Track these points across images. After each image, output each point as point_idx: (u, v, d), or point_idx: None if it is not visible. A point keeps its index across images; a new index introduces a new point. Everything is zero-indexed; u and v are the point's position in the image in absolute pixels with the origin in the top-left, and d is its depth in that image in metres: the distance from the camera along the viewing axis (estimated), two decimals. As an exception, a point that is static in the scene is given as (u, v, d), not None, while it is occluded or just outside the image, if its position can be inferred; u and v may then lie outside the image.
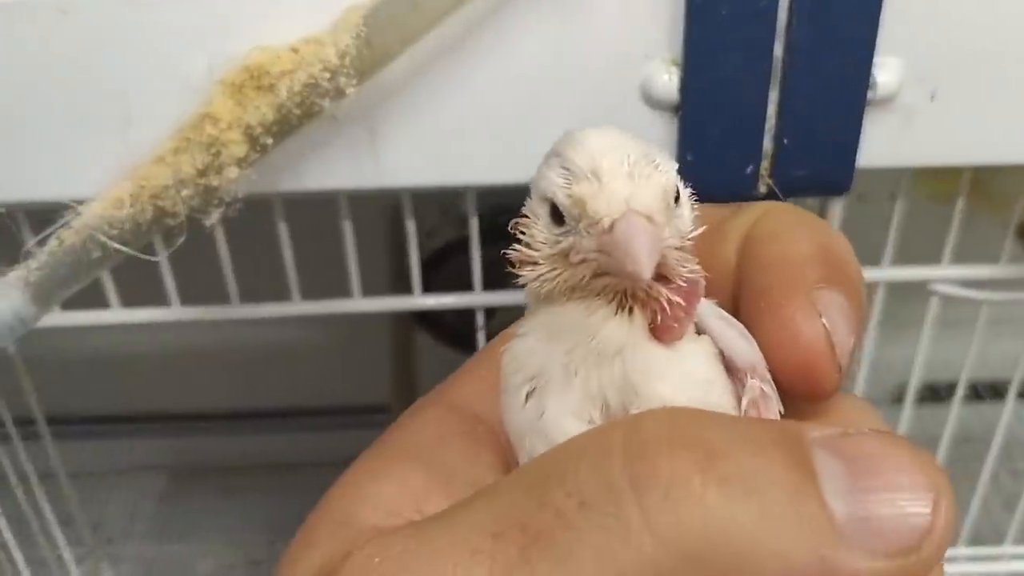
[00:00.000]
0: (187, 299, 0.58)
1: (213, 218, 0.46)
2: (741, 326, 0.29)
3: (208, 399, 1.03)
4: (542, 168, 0.28)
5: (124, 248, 0.46)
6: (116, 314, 0.58)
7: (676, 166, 0.28)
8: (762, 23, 0.45)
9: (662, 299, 0.27)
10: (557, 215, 0.27)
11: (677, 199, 0.27)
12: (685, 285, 0.28)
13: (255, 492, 0.97)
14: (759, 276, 0.30)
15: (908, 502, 0.22)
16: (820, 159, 0.48)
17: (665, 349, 0.28)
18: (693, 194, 0.29)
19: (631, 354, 0.27)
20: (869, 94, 0.47)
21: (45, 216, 0.49)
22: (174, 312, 0.58)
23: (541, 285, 0.28)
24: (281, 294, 0.58)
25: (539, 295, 0.29)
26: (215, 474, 1.00)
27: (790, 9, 0.45)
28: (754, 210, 0.32)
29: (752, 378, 0.28)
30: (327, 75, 0.44)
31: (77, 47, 0.45)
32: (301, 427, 1.02)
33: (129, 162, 0.47)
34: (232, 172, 0.45)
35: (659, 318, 0.27)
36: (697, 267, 0.28)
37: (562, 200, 0.27)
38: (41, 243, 0.47)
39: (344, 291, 0.58)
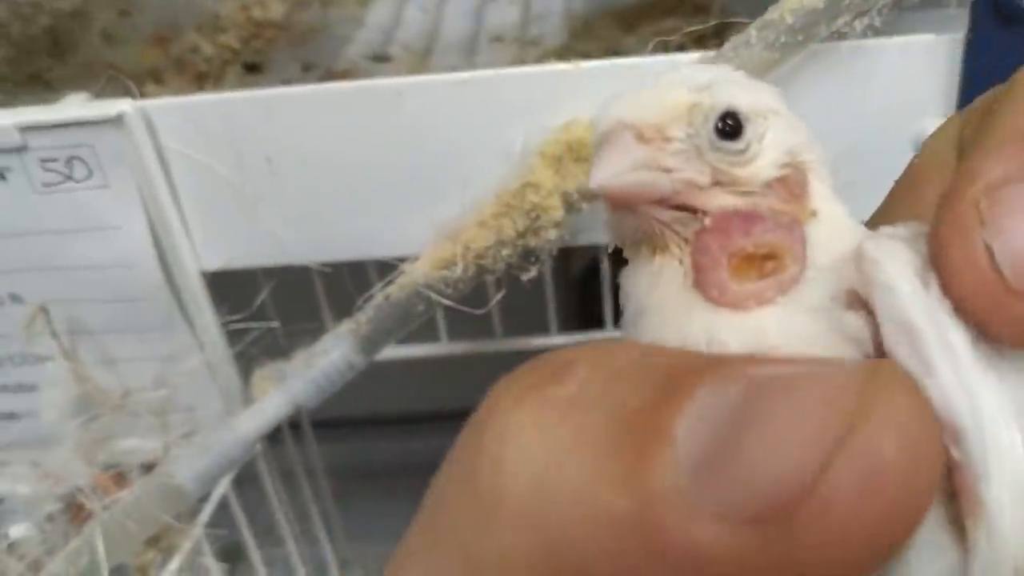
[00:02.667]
0: (454, 334, 0.63)
1: (531, 272, 0.51)
2: (930, 339, 0.18)
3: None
4: None
5: (450, 302, 0.51)
6: (395, 350, 0.64)
7: (774, 107, 0.22)
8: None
9: (687, 236, 0.21)
10: None
11: (735, 132, 0.21)
12: (729, 213, 0.21)
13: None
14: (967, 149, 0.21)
15: (781, 431, 0.15)
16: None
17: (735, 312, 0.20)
18: None
19: (675, 316, 0.21)
20: None
21: (364, 272, 0.55)
22: (443, 347, 0.64)
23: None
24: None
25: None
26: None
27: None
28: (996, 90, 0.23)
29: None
30: (642, 145, 0.48)
31: (410, 124, 0.50)
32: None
33: (443, 224, 0.52)
34: (551, 234, 0.50)
35: (692, 255, 0.21)
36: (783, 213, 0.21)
37: None
38: (367, 300, 0.53)
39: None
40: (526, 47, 0.71)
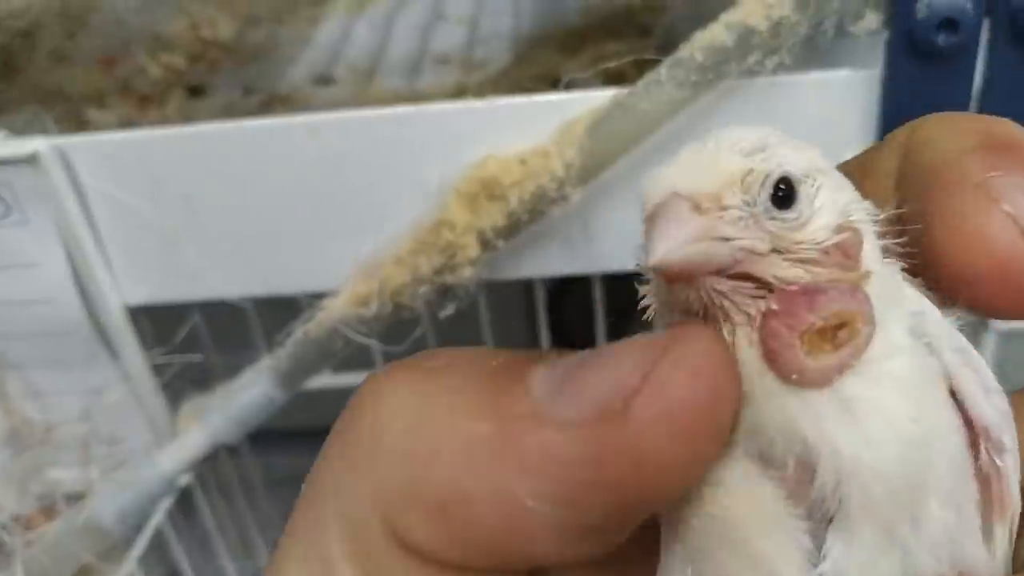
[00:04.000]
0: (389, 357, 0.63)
1: (448, 310, 0.51)
2: (983, 365, 0.22)
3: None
4: None
5: (367, 340, 0.51)
6: (325, 379, 0.63)
7: (822, 166, 0.22)
8: (955, 116, 0.48)
9: (749, 310, 0.21)
10: None
11: (789, 198, 0.21)
12: (792, 291, 0.20)
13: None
14: (917, 184, 0.23)
15: (609, 368, 0.20)
16: None
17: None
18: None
19: (763, 406, 0.20)
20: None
21: (279, 310, 0.54)
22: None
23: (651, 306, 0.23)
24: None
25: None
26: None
27: (980, 102, 0.48)
28: (900, 133, 0.25)
29: (985, 445, 0.21)
30: (554, 185, 0.48)
31: (326, 160, 0.50)
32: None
33: (363, 261, 0.51)
34: (466, 271, 0.49)
35: (762, 341, 0.20)
36: (837, 278, 0.21)
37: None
38: (287, 336, 0.53)
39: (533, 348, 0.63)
40: (470, 70, 0.71)
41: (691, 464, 0.20)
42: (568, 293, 0.86)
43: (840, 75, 0.49)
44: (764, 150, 0.21)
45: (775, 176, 0.21)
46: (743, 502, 0.20)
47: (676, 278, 0.20)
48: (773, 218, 0.21)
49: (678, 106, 0.47)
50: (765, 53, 0.46)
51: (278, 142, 0.50)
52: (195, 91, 0.73)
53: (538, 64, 0.69)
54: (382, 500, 0.20)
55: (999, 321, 0.57)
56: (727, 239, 0.20)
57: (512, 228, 0.49)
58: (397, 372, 0.22)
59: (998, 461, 0.21)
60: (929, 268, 0.22)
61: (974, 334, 0.59)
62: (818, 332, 0.20)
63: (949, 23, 0.45)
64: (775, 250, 0.21)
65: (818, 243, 0.21)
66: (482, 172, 0.48)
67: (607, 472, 0.19)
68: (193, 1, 0.84)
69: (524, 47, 0.72)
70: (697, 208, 0.20)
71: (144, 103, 0.71)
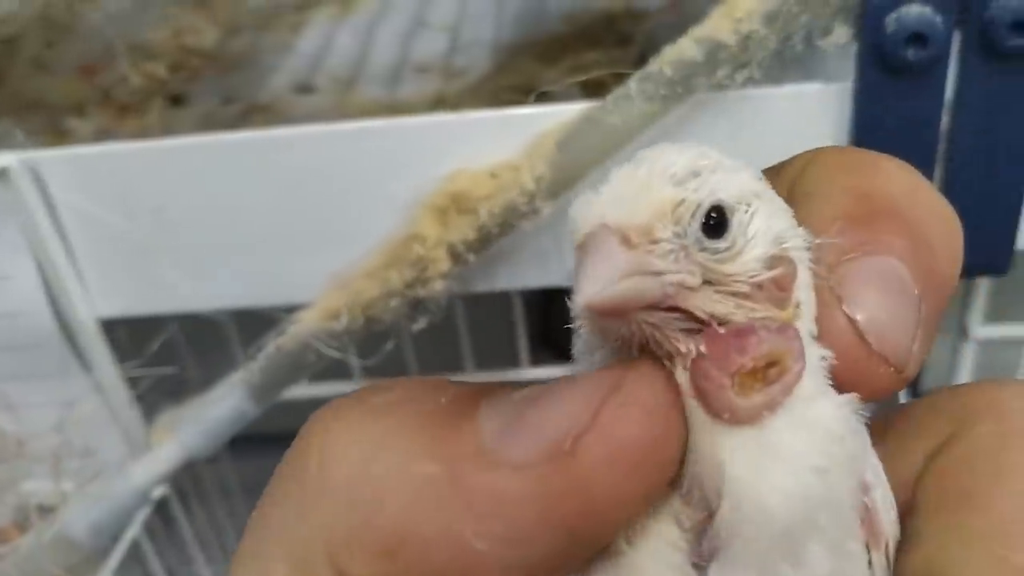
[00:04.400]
0: (368, 371, 0.63)
1: (420, 324, 0.51)
2: (881, 474, 0.22)
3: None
4: None
5: (340, 355, 0.51)
6: (304, 389, 0.63)
7: (757, 189, 0.22)
8: (925, 129, 0.48)
9: (680, 346, 0.20)
10: None
11: (721, 226, 0.21)
12: (722, 334, 0.20)
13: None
14: None
15: (557, 406, 0.20)
16: (979, 245, 0.51)
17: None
18: None
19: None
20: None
21: (250, 321, 0.54)
22: (357, 385, 0.63)
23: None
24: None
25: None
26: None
27: (952, 114, 0.47)
28: (798, 162, 0.25)
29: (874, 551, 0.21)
30: (524, 199, 0.48)
31: (299, 173, 0.50)
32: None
33: (337, 274, 0.51)
34: (437, 285, 0.49)
35: (694, 381, 0.20)
36: (774, 316, 0.21)
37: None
38: (259, 349, 0.53)
39: (512, 360, 0.63)
40: (450, 78, 0.71)
41: (640, 500, 0.20)
42: (556, 302, 0.86)
43: (811, 88, 0.49)
44: (697, 175, 0.21)
45: (706, 205, 0.20)
46: (649, 543, 0.21)
47: (606, 316, 0.20)
48: (704, 249, 0.20)
49: (648, 120, 0.47)
50: (734, 67, 0.46)
51: (252, 155, 0.50)
52: (175, 100, 0.73)
53: (518, 73, 0.69)
54: (329, 541, 0.20)
55: (978, 329, 0.57)
56: (657, 273, 0.20)
57: (483, 242, 0.49)
58: (344, 410, 0.21)
59: (866, 500, 0.21)
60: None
61: (954, 343, 0.59)
62: (749, 372, 0.20)
63: (918, 37, 0.44)
64: (707, 282, 0.20)
65: (751, 276, 0.21)
66: (452, 186, 0.48)
67: (556, 511, 0.19)
68: (177, 9, 0.84)
69: (504, 55, 0.72)
70: (627, 241, 0.20)
71: (123, 112, 0.71)
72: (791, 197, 0.23)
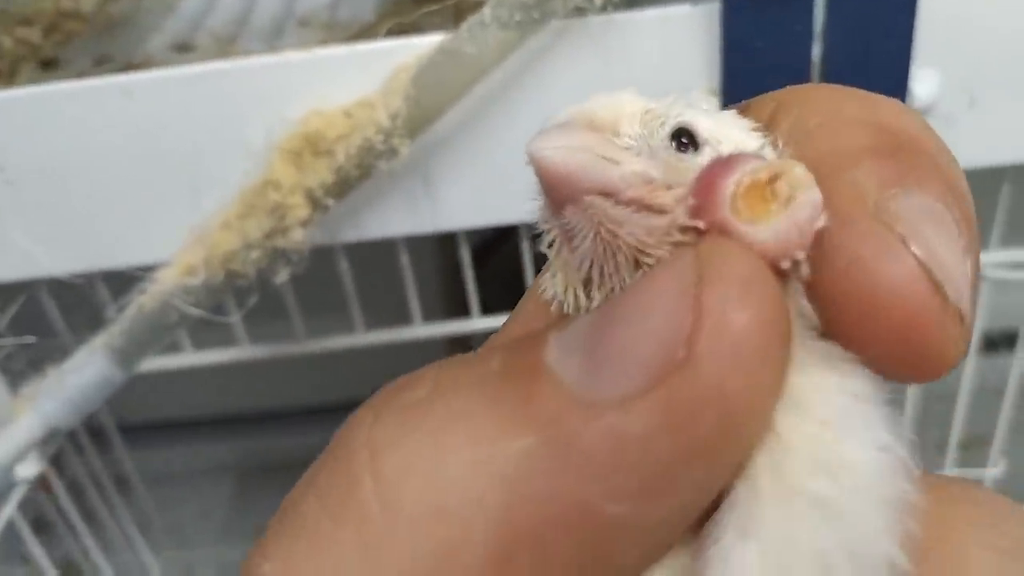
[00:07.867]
0: (255, 337, 0.61)
1: (282, 276, 0.48)
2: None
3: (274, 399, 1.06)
4: None
5: (201, 312, 0.48)
6: (189, 357, 0.61)
7: (737, 139, 0.20)
8: (797, 49, 0.46)
9: (656, 251, 0.18)
10: None
11: (691, 146, 0.19)
12: (705, 168, 0.18)
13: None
14: None
15: (641, 318, 0.16)
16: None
17: None
18: None
19: None
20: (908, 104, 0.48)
21: (121, 282, 0.52)
22: (244, 351, 0.61)
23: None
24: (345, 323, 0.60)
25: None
26: (283, 474, 1.02)
27: (824, 33, 0.46)
28: (766, 104, 0.21)
29: None
30: (381, 137, 0.45)
31: (144, 123, 0.47)
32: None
33: (197, 227, 0.49)
34: (297, 233, 0.47)
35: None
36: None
37: None
38: (120, 310, 0.50)
39: (404, 318, 0.60)
40: (334, 30, 0.68)
41: (772, 393, 0.16)
42: (494, 251, 0.84)
43: (680, 11, 0.47)
44: (672, 101, 0.19)
45: (675, 121, 0.19)
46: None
47: (558, 188, 0.18)
48: (671, 155, 0.18)
49: (506, 49, 0.45)
50: (591, -12, 0.44)
51: (91, 106, 0.47)
52: (48, 64, 0.69)
53: (400, 17, 0.66)
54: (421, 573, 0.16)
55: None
56: (617, 162, 0.18)
57: (342, 185, 0.46)
58: (382, 414, 0.17)
59: None
60: (817, 304, 0.18)
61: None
62: (752, 187, 0.17)
63: (779, -51, 0.42)
64: (670, 187, 0.18)
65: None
66: (306, 128, 0.46)
67: (693, 436, 0.16)
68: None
69: (388, 3, 0.69)
70: (591, 126, 0.18)
71: (-7, 78, 0.68)
72: (790, 133, 0.20)
